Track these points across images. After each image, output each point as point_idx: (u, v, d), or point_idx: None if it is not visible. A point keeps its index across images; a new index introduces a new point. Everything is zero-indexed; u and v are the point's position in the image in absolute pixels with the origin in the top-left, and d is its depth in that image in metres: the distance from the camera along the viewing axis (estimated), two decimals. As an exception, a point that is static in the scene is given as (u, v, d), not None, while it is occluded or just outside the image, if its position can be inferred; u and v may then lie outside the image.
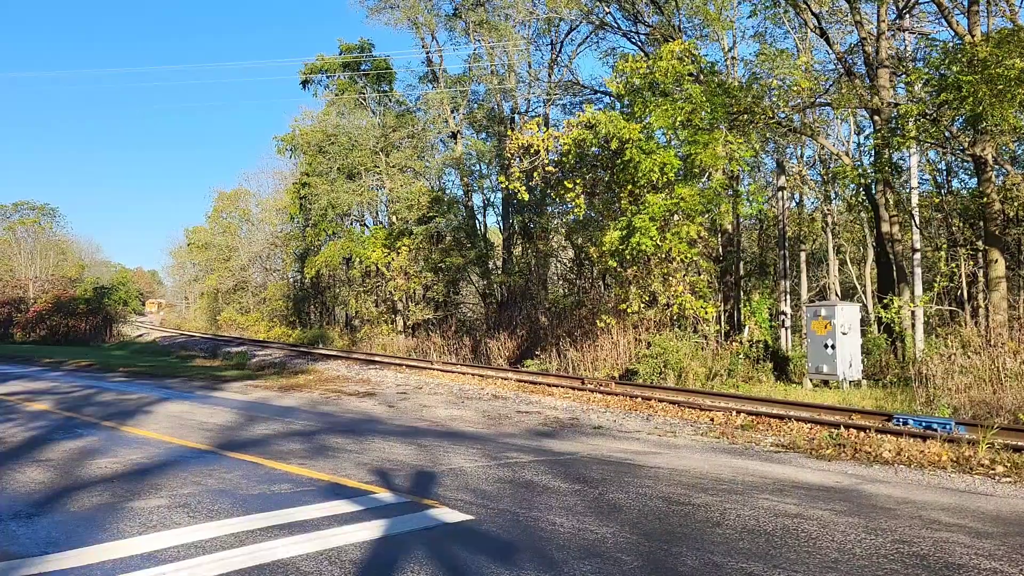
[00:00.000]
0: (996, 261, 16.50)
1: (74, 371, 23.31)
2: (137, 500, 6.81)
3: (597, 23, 28.49)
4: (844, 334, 16.18)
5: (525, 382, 17.82)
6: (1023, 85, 13.58)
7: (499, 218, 33.58)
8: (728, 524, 6.16)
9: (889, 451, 9.43)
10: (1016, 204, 18.18)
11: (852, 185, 21.01)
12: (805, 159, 28.19)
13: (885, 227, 19.68)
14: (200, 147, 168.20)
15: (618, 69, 19.96)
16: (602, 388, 16.31)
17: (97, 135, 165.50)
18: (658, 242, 17.75)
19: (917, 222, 18.87)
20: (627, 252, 18.07)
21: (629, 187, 18.64)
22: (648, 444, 10.39)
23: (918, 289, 18.18)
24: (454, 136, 33.85)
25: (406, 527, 5.98)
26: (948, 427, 10.49)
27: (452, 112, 33.35)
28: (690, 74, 19.22)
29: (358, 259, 35.29)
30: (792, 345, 21.25)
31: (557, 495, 7.14)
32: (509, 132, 27.58)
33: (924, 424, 10.73)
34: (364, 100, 35.87)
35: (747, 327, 20.70)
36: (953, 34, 17.10)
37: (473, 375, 19.69)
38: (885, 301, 18.31)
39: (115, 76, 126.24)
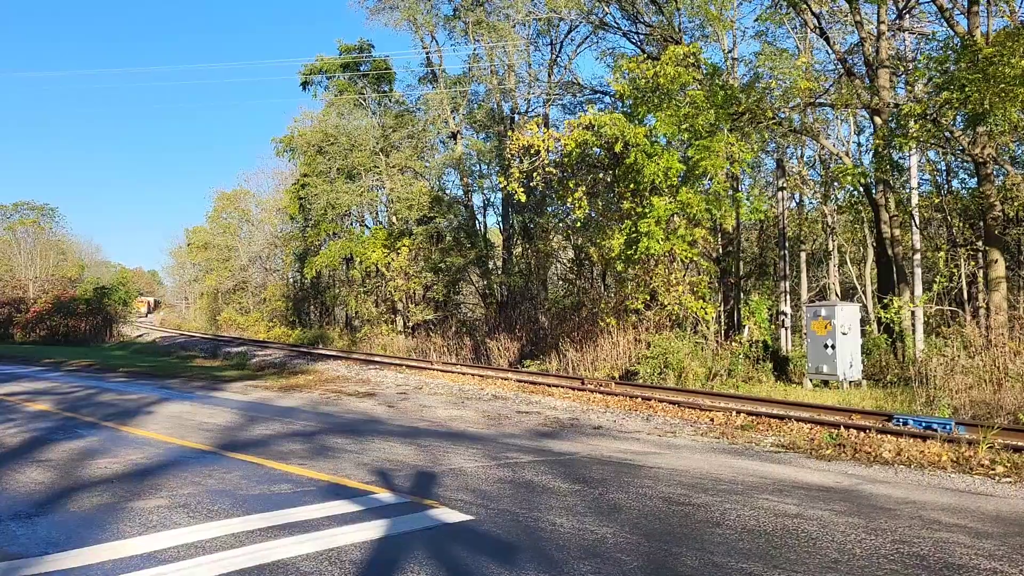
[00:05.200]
0: (996, 261, 16.49)
1: (74, 371, 23.30)
2: (137, 500, 6.81)
3: (597, 23, 28.49)
4: (844, 334, 16.18)
5: (525, 382, 17.82)
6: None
7: (499, 218, 33.60)
8: (728, 524, 6.16)
9: (889, 451, 9.43)
10: (1016, 204, 18.17)
11: (851, 186, 21.02)
12: (805, 159, 28.21)
13: (885, 228, 19.68)
14: (200, 147, 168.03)
15: (621, 68, 19.94)
16: (602, 388, 16.31)
17: (97, 135, 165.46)
18: (663, 245, 17.79)
19: (917, 222, 18.86)
20: (635, 256, 18.12)
21: (633, 186, 18.66)
22: (648, 444, 10.39)
23: (918, 289, 18.18)
24: (454, 136, 33.84)
25: (406, 527, 5.98)
26: (948, 427, 10.48)
27: (452, 112, 33.34)
28: (695, 79, 19.19)
29: (358, 259, 35.29)
30: (792, 345, 21.25)
31: (557, 495, 7.14)
32: (509, 132, 27.58)
33: (924, 424, 10.73)
34: (364, 100, 35.87)
35: (747, 327, 20.70)
36: (953, 35, 17.10)
37: (473, 375, 19.69)
38: (885, 301, 18.30)
39: (115, 76, 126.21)
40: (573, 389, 16.43)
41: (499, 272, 32.05)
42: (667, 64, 18.26)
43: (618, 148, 18.61)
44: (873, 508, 6.81)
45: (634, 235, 18.01)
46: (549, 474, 8.14)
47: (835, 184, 25.01)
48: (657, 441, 10.69)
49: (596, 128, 18.98)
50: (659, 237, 17.47)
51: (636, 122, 18.69)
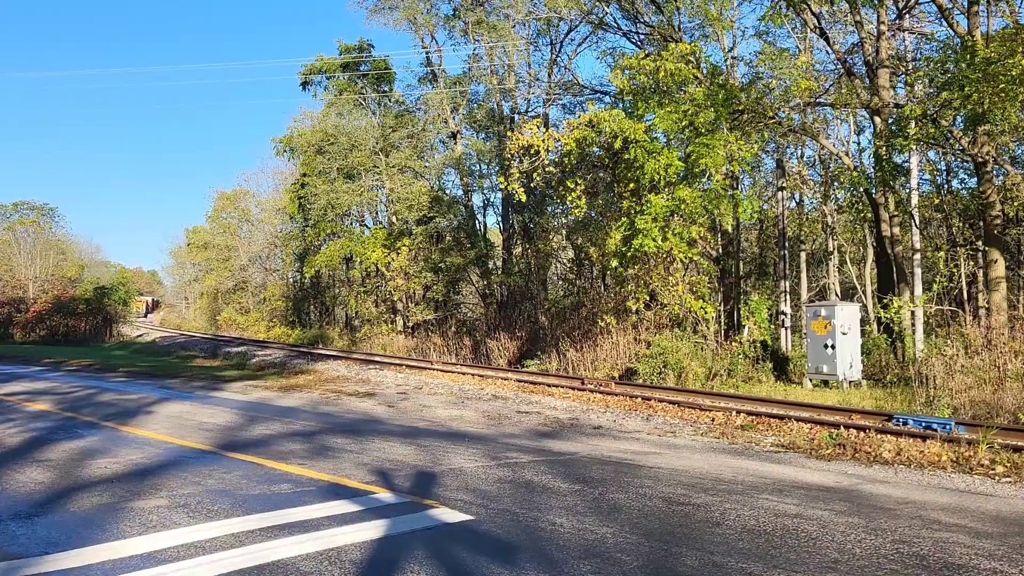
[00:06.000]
0: (996, 261, 16.49)
1: (74, 371, 23.30)
2: (137, 500, 6.81)
3: (596, 23, 28.48)
4: (844, 334, 16.18)
5: (525, 382, 17.82)
6: (1024, 85, 13.57)
7: (499, 218, 33.59)
8: (728, 524, 6.16)
9: (889, 451, 9.44)
10: (1016, 204, 18.18)
11: (851, 186, 21.03)
12: (805, 159, 28.20)
13: (885, 227, 19.67)
14: (200, 147, 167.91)
15: (622, 66, 19.92)
16: (602, 388, 16.31)
17: (97, 135, 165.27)
18: (659, 243, 17.76)
19: (917, 222, 18.85)
20: (629, 253, 18.09)
21: (632, 185, 18.65)
22: (648, 444, 10.39)
23: (918, 289, 18.18)
24: (454, 136, 33.84)
25: (406, 527, 5.98)
26: (948, 427, 10.49)
27: (452, 112, 33.34)
28: (695, 77, 19.19)
29: (358, 259, 35.30)
30: (792, 345, 21.25)
31: (557, 495, 7.14)
32: (509, 132, 27.57)
33: (924, 424, 10.73)
34: (364, 100, 35.87)
35: (747, 327, 20.71)
36: (953, 35, 17.11)
37: (473, 375, 19.69)
38: (885, 301, 18.30)
39: (115, 76, 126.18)
40: (573, 389, 16.43)
41: (499, 272, 32.05)
42: (668, 60, 18.24)
43: (617, 145, 18.59)
44: (873, 508, 6.81)
45: (630, 232, 17.99)
46: (549, 474, 8.14)
47: (835, 184, 25.02)
48: (657, 441, 10.69)
49: (596, 125, 18.97)
50: (654, 235, 17.45)
51: (635, 119, 18.67)
